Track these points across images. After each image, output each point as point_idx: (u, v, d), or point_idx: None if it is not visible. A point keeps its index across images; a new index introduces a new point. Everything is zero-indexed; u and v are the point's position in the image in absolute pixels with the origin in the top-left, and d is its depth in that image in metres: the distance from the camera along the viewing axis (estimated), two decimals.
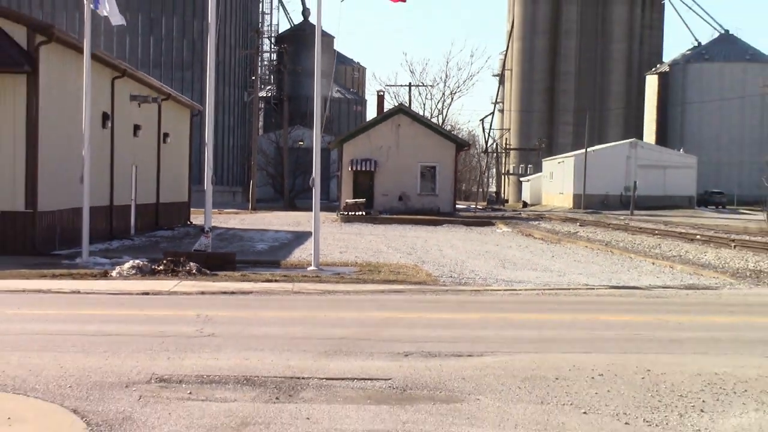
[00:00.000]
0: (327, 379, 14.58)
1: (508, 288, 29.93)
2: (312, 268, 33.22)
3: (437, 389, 14.01)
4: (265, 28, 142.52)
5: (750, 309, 25.64)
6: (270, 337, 18.49)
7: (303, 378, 14.53)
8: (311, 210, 36.00)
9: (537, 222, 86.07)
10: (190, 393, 13.36)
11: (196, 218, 62.88)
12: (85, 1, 34.44)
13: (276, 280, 29.77)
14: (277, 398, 13.21)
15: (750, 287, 32.88)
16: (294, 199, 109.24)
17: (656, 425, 12.20)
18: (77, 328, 19.45)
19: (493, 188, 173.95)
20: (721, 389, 14.21)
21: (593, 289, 29.90)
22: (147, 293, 25.83)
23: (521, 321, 22.39)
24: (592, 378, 14.83)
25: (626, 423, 12.27)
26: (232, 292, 26.24)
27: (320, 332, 19.34)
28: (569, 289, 29.89)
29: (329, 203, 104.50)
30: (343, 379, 14.62)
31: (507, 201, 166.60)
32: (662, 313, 24.43)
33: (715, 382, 14.68)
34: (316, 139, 35.79)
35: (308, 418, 12.04)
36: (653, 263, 43.20)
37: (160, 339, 17.84)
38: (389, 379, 14.60)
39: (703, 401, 13.53)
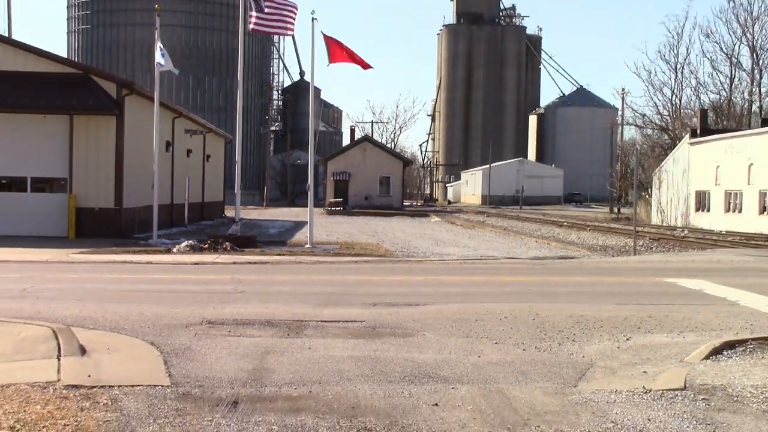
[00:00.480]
0: (321, 321, 15.19)
1: (440, 259, 30.51)
2: (308, 246, 33.70)
3: (396, 328, 14.64)
4: (274, 84, 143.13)
5: (602, 272, 26.45)
6: (282, 293, 19.33)
7: (305, 321, 15.19)
8: (307, 206, 36.77)
9: (458, 214, 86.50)
10: (229, 331, 13.92)
11: (228, 212, 62.94)
12: (155, 67, 34.27)
13: (284, 254, 30.64)
14: (288, 334, 13.73)
15: (600, 257, 33.63)
16: (294, 199, 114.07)
17: (543, 351, 12.70)
18: (151, 287, 20.37)
19: (427, 191, 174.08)
20: (585, 326, 14.91)
21: (497, 259, 30.73)
22: (197, 263, 26.69)
23: (450, 281, 23.12)
24: (500, 319, 15.36)
25: (523, 349, 12.80)
26: (255, 263, 27.06)
27: (315, 290, 20.08)
28: (481, 259, 30.63)
29: (318, 202, 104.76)
30: (332, 321, 15.23)
31: (437, 200, 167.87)
32: (544, 275, 25.29)
33: (581, 321, 15.32)
34: (311, 158, 36.76)
35: (309, 348, 12.52)
36: (536, 241, 43.98)
37: (208, 294, 18.56)
38: (363, 321, 15.30)
39: (574, 334, 14.12)
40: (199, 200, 57.15)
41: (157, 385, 9.90)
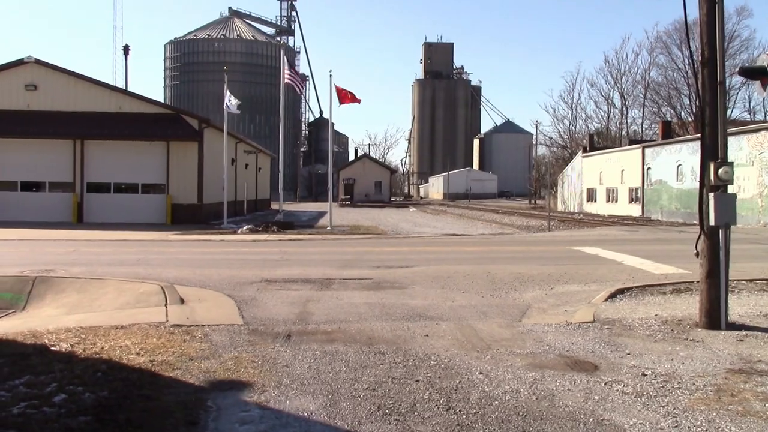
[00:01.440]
0: (342, 279, 14.75)
1: (418, 235, 30.12)
2: (329, 228, 33.25)
3: (394, 282, 14.22)
4: (303, 119, 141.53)
5: (529, 243, 25.87)
6: (314, 260, 18.83)
7: (331, 279, 14.74)
8: (326, 201, 36.55)
9: (427, 206, 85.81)
10: (280, 287, 13.56)
11: (273, 206, 62.38)
12: (225, 108, 34.01)
13: (313, 234, 30.81)
14: (320, 288, 13.39)
15: (526, 233, 33.13)
16: (317, 196, 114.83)
17: (496, 297, 12.42)
18: (225, 257, 20.04)
19: (406, 191, 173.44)
20: (522, 280, 14.58)
21: (457, 235, 30.20)
22: (254, 240, 26.78)
23: (427, 251, 22.34)
24: (464, 276, 15.02)
25: (482, 297, 12.46)
26: (294, 240, 26.97)
27: (337, 258, 19.44)
28: (446, 235, 30.06)
29: (333, 198, 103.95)
30: (350, 279, 14.79)
31: (413, 196, 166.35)
32: (490, 245, 24.55)
33: (519, 277, 14.98)
34: (330, 170, 36.34)
35: (336, 298, 12.21)
36: (482, 223, 43.50)
37: (263, 261, 18.32)
38: (371, 278, 14.84)
39: (515, 286, 13.81)
40: (253, 198, 56.84)
41: (234, 324, 9.66)
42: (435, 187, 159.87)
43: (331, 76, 34.49)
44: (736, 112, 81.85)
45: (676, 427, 5.66)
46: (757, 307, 10.81)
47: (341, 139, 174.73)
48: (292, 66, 36.53)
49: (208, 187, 37.82)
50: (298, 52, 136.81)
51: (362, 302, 11.51)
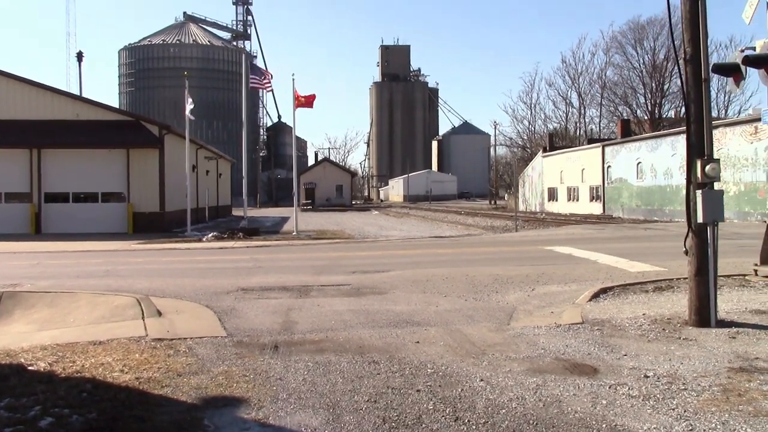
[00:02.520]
0: (320, 285, 14.39)
1: (386, 239, 29.83)
2: (294, 233, 32.91)
3: (373, 288, 13.92)
4: (261, 124, 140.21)
5: (499, 243, 25.80)
6: (287, 267, 18.40)
7: (309, 285, 14.40)
8: (287, 207, 36.51)
9: (389, 209, 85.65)
10: (258, 295, 13.17)
11: (234, 212, 61.75)
12: (186, 115, 33.48)
13: (280, 240, 30.30)
14: (300, 296, 13.03)
15: (494, 234, 33.15)
16: (277, 201, 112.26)
17: (479, 300, 12.22)
18: (196, 266, 19.34)
19: (366, 193, 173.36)
20: (501, 281, 14.44)
21: (425, 238, 29.84)
22: (222, 248, 25.86)
23: (400, 254, 21.85)
24: (443, 279, 14.82)
25: (465, 300, 12.23)
26: (262, 246, 26.40)
27: (310, 264, 18.97)
28: (414, 238, 30.03)
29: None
30: (328, 285, 14.45)
31: (372, 199, 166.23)
32: (462, 248, 24.17)
33: (497, 278, 14.85)
34: (295, 174, 35.33)
35: (318, 305, 11.82)
36: (447, 225, 43.46)
37: (236, 269, 17.79)
38: (350, 284, 14.50)
39: (496, 288, 13.66)
40: (214, 204, 56.19)
41: (218, 336, 9.33)
42: (395, 189, 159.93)
43: (293, 79, 34.03)
44: None
45: (691, 430, 5.54)
46: (740, 303, 10.83)
47: (300, 144, 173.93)
48: (256, 68, 36.36)
49: (170, 194, 37.21)
50: (255, 57, 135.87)
51: (346, 309, 11.22)
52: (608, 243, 23.38)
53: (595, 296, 11.85)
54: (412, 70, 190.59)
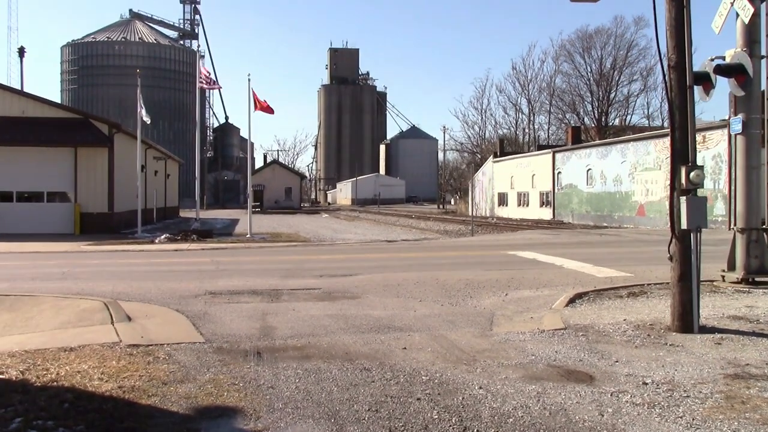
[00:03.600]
0: (291, 290, 13.98)
1: (344, 242, 29.57)
2: (248, 235, 32.33)
3: (345, 292, 13.61)
4: (208, 125, 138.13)
5: (460, 248, 25.22)
6: (252, 270, 17.91)
7: (279, 289, 14.02)
8: (235, 209, 36.48)
9: (338, 212, 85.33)
10: (228, 299, 12.79)
11: (182, 213, 60.82)
12: (138, 114, 32.86)
13: (235, 242, 29.60)
14: (272, 300, 12.69)
15: (451, 238, 33.20)
16: (224, 203, 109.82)
17: (455, 305, 12.11)
18: (156, 268, 18.74)
19: (313, 196, 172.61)
20: (473, 286, 14.33)
21: (383, 242, 29.85)
22: (178, 249, 25.24)
23: (364, 258, 21.57)
24: (415, 284, 14.62)
25: (442, 305, 12.09)
26: (218, 248, 25.75)
27: (274, 267, 18.57)
28: (372, 242, 29.81)
29: (242, 205, 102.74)
30: (298, 289, 14.10)
31: (320, 202, 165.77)
32: (426, 251, 23.96)
33: (469, 283, 14.73)
34: (249, 176, 34.87)
35: (294, 310, 11.51)
36: (401, 228, 43.38)
37: (199, 272, 17.33)
38: (320, 288, 14.17)
39: (469, 292, 13.53)
40: (162, 205, 55.11)
41: (195, 342, 8.98)
42: (343, 192, 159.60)
43: (249, 80, 33.45)
44: (635, 119, 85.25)
45: None
46: (716, 309, 10.94)
47: (246, 145, 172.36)
48: (201, 71, 36.03)
49: (119, 194, 36.26)
50: (203, 56, 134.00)
51: (323, 314, 10.94)
52: (568, 248, 23.54)
53: (572, 301, 11.84)
54: (360, 73, 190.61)
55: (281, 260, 20.51)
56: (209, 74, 35.63)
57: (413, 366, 7.71)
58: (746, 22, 12.84)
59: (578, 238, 29.61)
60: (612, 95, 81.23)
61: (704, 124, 39.83)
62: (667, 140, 41.81)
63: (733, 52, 13.01)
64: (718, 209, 36.41)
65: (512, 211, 62.98)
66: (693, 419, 5.91)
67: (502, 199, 66.63)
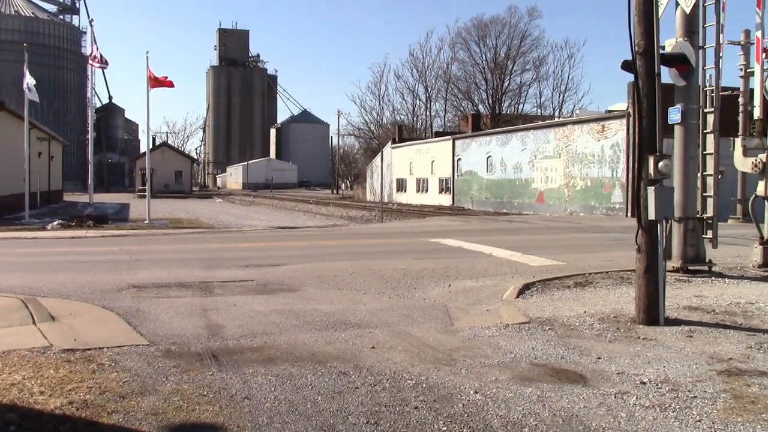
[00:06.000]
0: (221, 282, 12.90)
1: (251, 228, 28.48)
2: (147, 221, 30.73)
3: (281, 284, 12.69)
4: (90, 105, 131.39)
5: (381, 236, 23.87)
6: (169, 260, 16.59)
7: (207, 282, 12.87)
8: (121, 193, 34.41)
9: (231, 197, 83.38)
10: (157, 293, 11.67)
11: (66, 197, 57.59)
12: (25, 91, 30.76)
13: (135, 228, 28.03)
14: (205, 294, 11.65)
15: (361, 224, 32.63)
16: (109, 187, 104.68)
17: (402, 297, 11.53)
18: (63, 258, 17.33)
19: (201, 180, 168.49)
20: (413, 276, 13.81)
21: (293, 228, 28.60)
22: (75, 237, 23.34)
23: (285, 246, 20.16)
24: (351, 274, 13.88)
25: (389, 297, 11.51)
26: (119, 236, 23.98)
27: (193, 257, 17.19)
28: (282, 228, 28.72)
29: (128, 190, 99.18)
30: (229, 282, 12.99)
31: (209, 187, 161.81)
32: (346, 239, 22.36)
33: (406, 273, 14.17)
34: (147, 160, 33.25)
35: (235, 305, 10.54)
36: (304, 214, 42.63)
37: (112, 262, 16.07)
38: (253, 280, 13.18)
39: (410, 283, 12.99)
40: (46, 189, 52.14)
41: (138, 345, 8.01)
42: (233, 177, 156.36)
43: (147, 58, 31.72)
44: (527, 107, 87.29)
45: None
46: (668, 299, 10.87)
47: (131, 126, 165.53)
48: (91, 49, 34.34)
49: (1, 177, 33.81)
50: (84, 33, 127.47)
51: (268, 310, 10.09)
52: (486, 235, 23.41)
53: (521, 292, 11.54)
54: (251, 55, 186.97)
55: (196, 249, 19.17)
56: (99, 52, 33.70)
57: (392, 368, 7.11)
58: (687, 12, 12.89)
59: (489, 225, 29.67)
60: (506, 84, 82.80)
61: (603, 114, 40.96)
62: (566, 129, 42.77)
63: (673, 41, 13.04)
64: (615, 197, 37.55)
65: (411, 197, 63.14)
66: (713, 423, 5.61)
67: (401, 185, 66.71)
